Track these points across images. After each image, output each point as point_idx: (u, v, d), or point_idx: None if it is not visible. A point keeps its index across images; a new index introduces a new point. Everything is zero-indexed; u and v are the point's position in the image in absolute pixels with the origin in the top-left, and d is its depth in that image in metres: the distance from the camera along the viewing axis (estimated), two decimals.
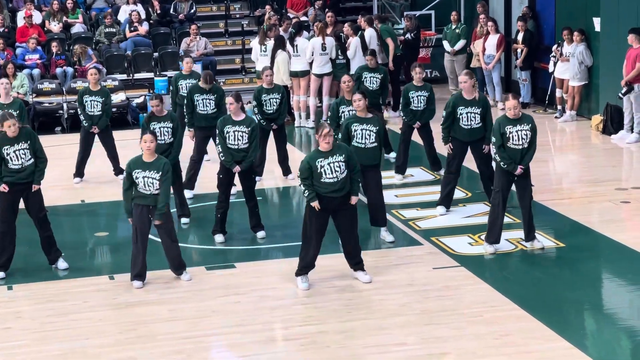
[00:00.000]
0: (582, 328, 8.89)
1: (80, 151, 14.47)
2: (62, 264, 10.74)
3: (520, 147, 10.52)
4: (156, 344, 8.68)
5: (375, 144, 10.90)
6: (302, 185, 9.70)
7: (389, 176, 13.80)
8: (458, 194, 12.88)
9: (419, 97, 13.50)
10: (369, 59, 15.03)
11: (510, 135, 10.50)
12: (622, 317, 9.03)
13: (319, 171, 9.60)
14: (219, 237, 11.48)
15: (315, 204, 9.63)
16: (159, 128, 11.87)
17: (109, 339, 8.83)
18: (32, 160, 10.43)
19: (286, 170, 14.31)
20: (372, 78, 14.77)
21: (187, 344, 8.64)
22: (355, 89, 14.22)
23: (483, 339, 8.51)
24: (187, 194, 13.00)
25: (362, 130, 10.84)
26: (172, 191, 11.02)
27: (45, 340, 8.86)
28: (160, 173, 9.90)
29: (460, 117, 11.86)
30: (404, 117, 13.65)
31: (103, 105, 14.31)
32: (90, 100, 14.29)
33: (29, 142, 10.41)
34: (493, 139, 10.60)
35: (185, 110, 13.51)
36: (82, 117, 14.35)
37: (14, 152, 10.30)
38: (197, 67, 19.31)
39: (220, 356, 8.66)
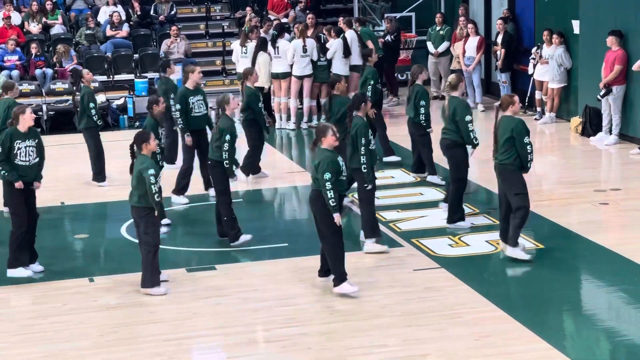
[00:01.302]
0: (562, 329, 8.94)
1: (99, 152, 14.31)
2: (37, 267, 10.68)
3: None
4: (137, 347, 8.66)
5: None
6: (331, 191, 9.39)
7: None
8: (439, 195, 12.97)
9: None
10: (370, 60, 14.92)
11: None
12: (601, 318, 9.09)
13: (341, 169, 9.64)
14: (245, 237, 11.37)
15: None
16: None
17: (89, 341, 8.81)
18: (38, 159, 10.49)
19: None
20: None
21: (169, 346, 8.63)
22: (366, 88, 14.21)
23: (463, 340, 8.55)
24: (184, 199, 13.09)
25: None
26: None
27: (26, 343, 8.84)
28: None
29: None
30: (423, 122, 13.32)
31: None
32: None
33: (36, 140, 10.52)
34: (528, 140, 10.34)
35: (180, 116, 13.30)
36: (96, 118, 14.18)
37: (25, 147, 10.40)
38: (178, 69, 19.32)
39: (201, 358, 8.66)
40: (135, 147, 9.92)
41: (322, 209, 9.54)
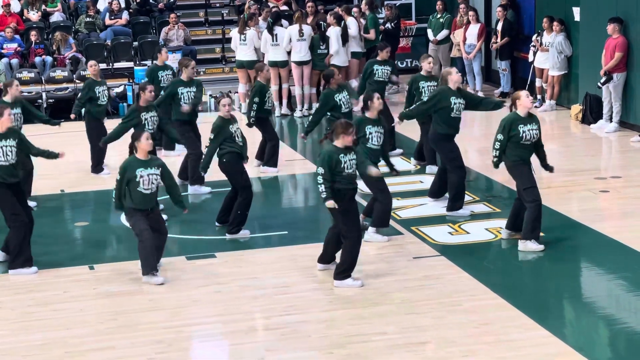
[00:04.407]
0: (561, 317, 8.95)
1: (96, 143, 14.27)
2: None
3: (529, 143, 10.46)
4: (137, 334, 8.67)
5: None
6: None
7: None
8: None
9: (429, 87, 13.28)
10: (381, 53, 14.89)
11: (524, 134, 10.37)
12: (601, 306, 9.09)
13: (342, 166, 9.47)
14: (245, 232, 11.37)
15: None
16: (150, 117, 12.13)
17: (89, 328, 8.82)
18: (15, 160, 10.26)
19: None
20: (382, 70, 14.71)
21: (168, 334, 8.64)
22: (362, 82, 14.37)
23: (463, 328, 8.55)
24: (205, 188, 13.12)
25: (376, 132, 10.71)
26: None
27: (26, 330, 8.85)
28: (161, 168, 9.93)
29: (454, 107, 11.73)
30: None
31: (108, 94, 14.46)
32: (102, 91, 14.28)
33: (16, 140, 10.27)
34: (500, 137, 10.35)
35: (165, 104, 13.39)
36: (90, 109, 14.17)
37: (2, 147, 10.12)
38: (178, 57, 19.30)
39: (200, 346, 8.66)
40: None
41: (345, 205, 9.46)
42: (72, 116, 14.52)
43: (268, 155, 14.16)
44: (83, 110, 14.43)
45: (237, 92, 18.69)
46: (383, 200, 10.80)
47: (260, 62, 14.66)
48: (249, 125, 13.70)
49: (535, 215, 10.38)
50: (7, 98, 12.46)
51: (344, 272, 9.61)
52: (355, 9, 19.24)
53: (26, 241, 10.24)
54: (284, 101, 18.36)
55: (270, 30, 17.98)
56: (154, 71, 15.19)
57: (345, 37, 17.91)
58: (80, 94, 14.68)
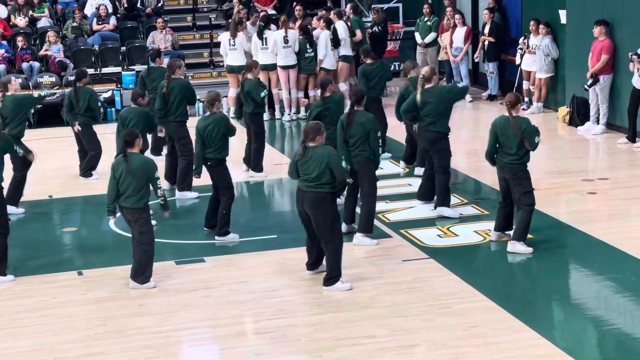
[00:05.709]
0: (550, 318, 8.97)
1: (97, 148, 14.31)
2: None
3: None
4: (126, 339, 8.66)
5: None
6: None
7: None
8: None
9: None
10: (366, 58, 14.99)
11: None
12: (589, 307, 9.12)
13: None
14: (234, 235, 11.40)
15: None
16: None
17: (78, 334, 8.80)
18: None
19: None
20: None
21: (157, 339, 8.63)
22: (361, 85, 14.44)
23: (452, 330, 8.57)
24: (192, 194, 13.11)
25: None
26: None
27: (15, 336, 8.83)
28: None
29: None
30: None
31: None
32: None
33: None
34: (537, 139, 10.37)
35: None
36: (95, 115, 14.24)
37: None
38: (166, 61, 19.21)
39: (189, 351, 8.65)
40: (127, 147, 9.79)
41: (321, 210, 9.46)
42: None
43: (255, 160, 14.14)
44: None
45: (226, 96, 18.68)
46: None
47: (252, 61, 14.62)
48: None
49: (530, 218, 10.47)
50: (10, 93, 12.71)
51: (333, 276, 9.62)
52: (350, 10, 19.28)
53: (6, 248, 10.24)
54: (277, 106, 18.37)
55: (260, 34, 17.99)
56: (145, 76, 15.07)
57: (336, 41, 17.94)
58: None
